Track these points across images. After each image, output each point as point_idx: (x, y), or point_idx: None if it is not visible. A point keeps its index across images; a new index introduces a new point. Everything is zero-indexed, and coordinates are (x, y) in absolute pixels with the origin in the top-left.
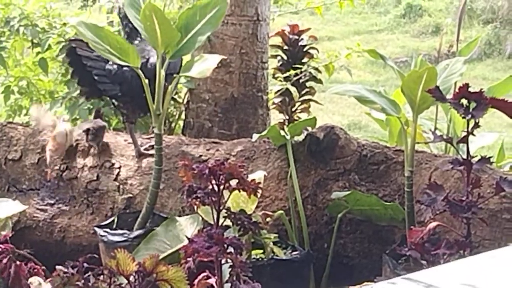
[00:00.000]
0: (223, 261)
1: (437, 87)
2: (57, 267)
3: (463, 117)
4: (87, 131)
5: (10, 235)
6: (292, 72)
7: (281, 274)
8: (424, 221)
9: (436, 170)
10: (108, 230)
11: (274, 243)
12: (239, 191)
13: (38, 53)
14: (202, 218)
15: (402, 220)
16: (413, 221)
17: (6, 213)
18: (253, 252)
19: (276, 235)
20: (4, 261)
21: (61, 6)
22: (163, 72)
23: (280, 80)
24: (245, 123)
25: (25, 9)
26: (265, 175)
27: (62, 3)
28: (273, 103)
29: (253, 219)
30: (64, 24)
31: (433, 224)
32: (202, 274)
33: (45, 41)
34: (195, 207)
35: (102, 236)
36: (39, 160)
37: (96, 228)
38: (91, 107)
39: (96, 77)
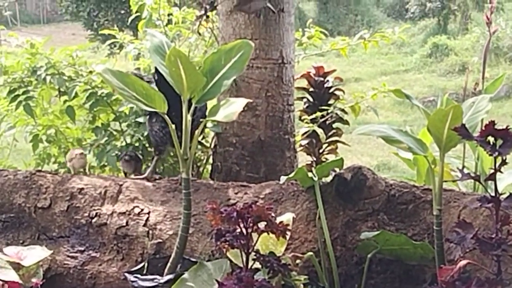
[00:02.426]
0: None
1: (463, 125)
2: None
3: (490, 155)
4: (125, 160)
5: (41, 283)
6: (319, 114)
7: None
8: (454, 259)
9: (465, 208)
10: (138, 275)
11: (305, 285)
12: (268, 234)
13: (65, 101)
14: (231, 262)
15: (432, 259)
16: (443, 259)
17: (33, 260)
18: None
19: (306, 277)
20: None
21: (89, 54)
22: (189, 117)
23: (307, 122)
24: (272, 166)
25: (52, 58)
26: (293, 217)
27: (89, 52)
28: (300, 145)
29: (283, 261)
30: (91, 72)
31: (463, 262)
32: None
33: (72, 89)
34: (224, 250)
35: (132, 281)
36: (69, 207)
37: (126, 274)
38: (119, 153)
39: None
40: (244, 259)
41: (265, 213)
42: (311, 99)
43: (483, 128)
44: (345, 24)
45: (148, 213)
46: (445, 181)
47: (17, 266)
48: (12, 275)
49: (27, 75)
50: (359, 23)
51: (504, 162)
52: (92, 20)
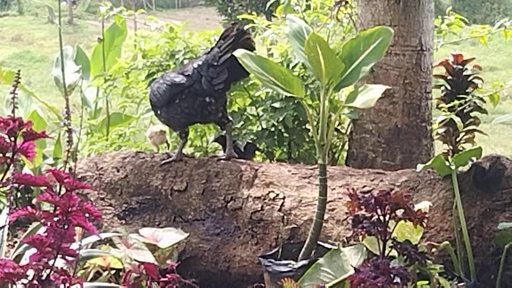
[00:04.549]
0: None
1: None
2: None
3: None
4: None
5: (176, 265)
6: (457, 102)
7: None
8: None
9: None
10: (272, 260)
11: (440, 274)
12: (405, 221)
13: None
14: (367, 249)
15: None
16: None
17: (169, 242)
18: (419, 283)
19: (441, 266)
20: None
21: None
22: (326, 103)
23: (444, 110)
24: (409, 154)
25: (190, 42)
26: (430, 206)
27: None
28: (437, 134)
29: (419, 250)
30: None
31: None
32: None
33: None
34: (360, 237)
35: (267, 266)
36: (204, 190)
37: (260, 259)
38: (255, 138)
39: None
40: (381, 246)
41: (403, 200)
42: (449, 87)
43: None
44: (481, 12)
45: (283, 198)
46: None
47: (152, 248)
48: (148, 257)
49: (166, 58)
50: (495, 11)
51: None
52: (227, 5)
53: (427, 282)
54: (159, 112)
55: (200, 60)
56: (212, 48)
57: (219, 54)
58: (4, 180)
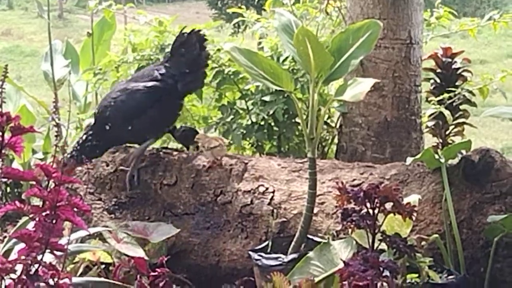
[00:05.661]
0: (378, 285)
1: None
2: None
3: None
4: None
5: (166, 259)
6: (446, 95)
7: None
8: None
9: None
10: (262, 254)
11: (430, 267)
12: (394, 215)
13: None
14: (356, 242)
15: None
16: None
17: (160, 237)
18: (408, 276)
19: (431, 259)
20: (161, 284)
21: (212, 33)
22: (316, 97)
23: (434, 104)
24: (398, 147)
25: None
26: (419, 199)
27: (213, 30)
28: (427, 127)
29: (409, 243)
30: (218, 50)
31: None
32: None
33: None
34: (350, 230)
35: (256, 260)
36: (194, 184)
37: (250, 252)
38: (244, 132)
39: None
40: (370, 239)
41: (392, 193)
42: (438, 80)
43: None
44: (471, 5)
45: (273, 192)
46: None
47: (142, 242)
48: (138, 251)
49: (155, 52)
50: (485, 4)
51: None
52: None
53: (416, 275)
54: (130, 127)
55: (164, 67)
56: (171, 55)
57: (186, 61)
58: None
